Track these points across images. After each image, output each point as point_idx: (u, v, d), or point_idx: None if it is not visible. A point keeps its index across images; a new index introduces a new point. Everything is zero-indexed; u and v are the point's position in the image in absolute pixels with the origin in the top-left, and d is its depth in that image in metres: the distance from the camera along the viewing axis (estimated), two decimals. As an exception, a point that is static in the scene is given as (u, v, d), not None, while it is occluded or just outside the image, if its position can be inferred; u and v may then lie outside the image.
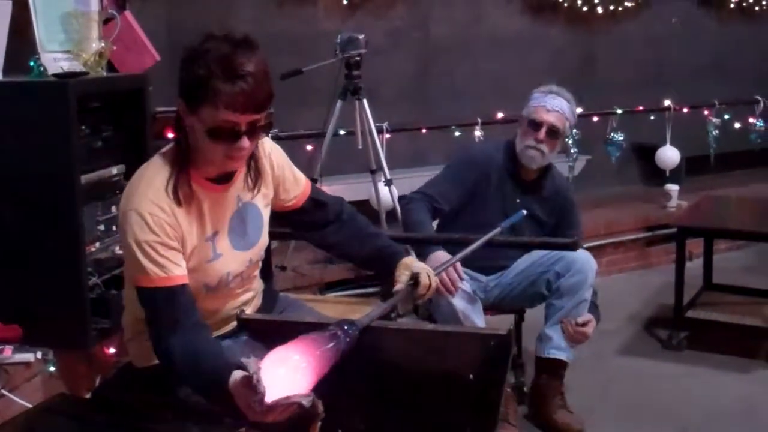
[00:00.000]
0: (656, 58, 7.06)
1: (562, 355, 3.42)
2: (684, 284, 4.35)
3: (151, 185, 2.04)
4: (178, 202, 2.05)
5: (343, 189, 5.16)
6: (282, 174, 2.34)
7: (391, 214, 4.52)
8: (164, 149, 2.14)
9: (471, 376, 1.93)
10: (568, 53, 6.71)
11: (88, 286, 2.71)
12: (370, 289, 4.63)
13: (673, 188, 6.05)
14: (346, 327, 1.92)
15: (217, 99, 1.94)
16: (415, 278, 2.36)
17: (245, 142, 2.01)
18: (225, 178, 2.17)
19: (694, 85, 6.80)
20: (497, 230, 2.96)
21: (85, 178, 2.71)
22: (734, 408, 3.68)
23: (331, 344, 1.84)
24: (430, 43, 6.14)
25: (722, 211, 5.05)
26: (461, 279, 3.22)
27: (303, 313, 2.52)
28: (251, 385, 1.71)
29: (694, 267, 5.02)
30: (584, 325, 3.35)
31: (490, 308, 3.59)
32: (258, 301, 2.43)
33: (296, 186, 2.39)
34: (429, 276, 2.37)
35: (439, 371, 1.96)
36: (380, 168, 4.41)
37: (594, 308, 3.42)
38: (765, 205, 5.06)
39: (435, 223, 3.52)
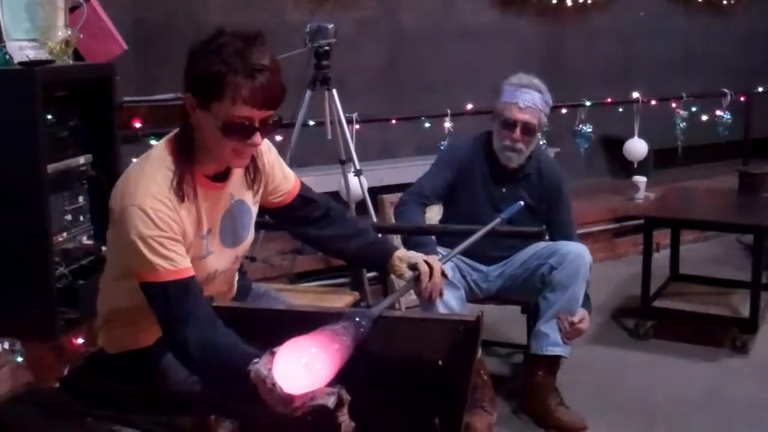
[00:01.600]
0: (625, 51, 7.12)
1: (559, 351, 3.42)
2: (651, 274, 4.40)
3: (153, 181, 2.01)
4: (181, 199, 2.03)
5: (312, 180, 5.12)
6: (272, 172, 2.33)
7: (361, 204, 4.52)
8: (161, 143, 2.12)
9: (440, 362, 1.93)
10: (537, 45, 6.75)
11: (55, 277, 2.68)
12: (340, 280, 4.64)
13: (640, 180, 6.10)
14: (358, 318, 1.92)
15: (236, 94, 1.94)
16: (413, 267, 2.38)
17: (258, 138, 2.02)
18: (222, 177, 2.16)
19: (663, 78, 6.87)
20: (497, 221, 2.98)
21: (51, 168, 2.68)
22: (700, 395, 3.73)
23: (349, 335, 1.84)
24: (400, 34, 6.15)
25: (689, 202, 5.11)
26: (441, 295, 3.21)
27: (275, 303, 2.52)
28: (267, 387, 1.72)
29: (661, 258, 5.08)
30: (579, 321, 3.38)
31: (491, 298, 3.63)
32: (232, 293, 2.44)
33: (285, 183, 2.38)
34: (428, 263, 2.38)
35: (408, 357, 1.97)
36: (350, 158, 4.41)
37: (586, 299, 3.45)
38: (731, 196, 5.11)
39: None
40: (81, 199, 2.88)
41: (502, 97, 3.51)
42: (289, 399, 1.75)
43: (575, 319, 3.36)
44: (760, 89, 6.58)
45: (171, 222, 2.00)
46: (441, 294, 2.97)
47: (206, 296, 2.24)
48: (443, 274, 2.42)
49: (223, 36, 1.98)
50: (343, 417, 1.81)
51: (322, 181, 5.09)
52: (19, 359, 2.78)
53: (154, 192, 1.99)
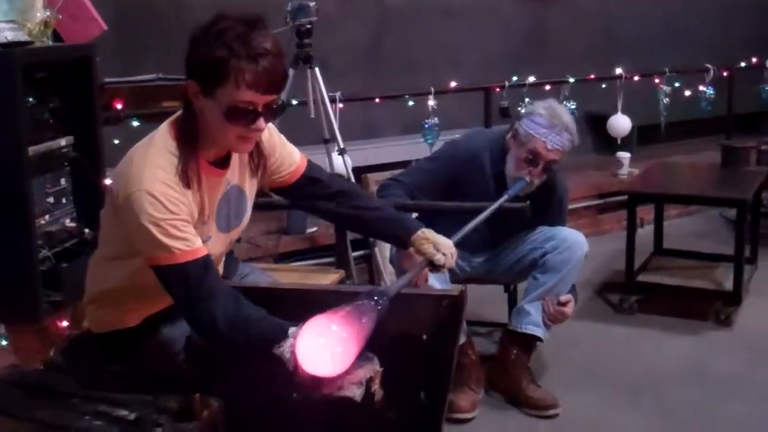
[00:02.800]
0: (608, 27, 7.12)
1: (538, 332, 3.41)
2: (635, 249, 4.43)
3: (158, 166, 2.00)
4: (187, 185, 2.03)
5: (296, 160, 5.14)
6: (272, 155, 2.31)
7: (345, 184, 4.51)
8: (163, 129, 2.10)
9: (424, 336, 1.94)
10: (520, 22, 6.75)
11: (38, 259, 2.67)
12: (325, 259, 4.64)
13: (624, 156, 6.12)
14: (376, 297, 1.92)
15: (239, 78, 1.92)
16: (439, 250, 2.37)
17: (262, 123, 2.01)
18: (223, 163, 2.15)
19: (646, 53, 6.87)
20: (504, 198, 2.98)
21: (32, 150, 2.66)
22: (685, 369, 3.76)
23: (367, 315, 1.85)
24: (383, 12, 6.13)
25: (672, 177, 5.13)
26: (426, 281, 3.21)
27: (264, 281, 2.53)
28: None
29: (645, 233, 5.11)
30: (565, 305, 3.38)
31: (475, 281, 3.61)
32: (221, 270, 2.44)
33: (289, 161, 2.36)
34: (450, 254, 2.39)
35: (392, 332, 1.98)
36: (334, 138, 4.39)
37: (572, 288, 3.45)
38: (714, 171, 5.14)
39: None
40: (63, 181, 2.87)
41: (530, 124, 3.28)
42: (314, 384, 1.77)
43: (562, 299, 3.36)
44: (743, 64, 6.59)
45: (181, 204, 1.99)
46: (426, 280, 3.01)
47: None
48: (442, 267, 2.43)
49: (224, 20, 1.96)
50: (375, 386, 1.85)
51: (306, 161, 5.09)
52: (3, 342, 2.78)
53: (161, 177, 1.98)
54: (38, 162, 2.71)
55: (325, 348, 1.77)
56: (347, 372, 1.82)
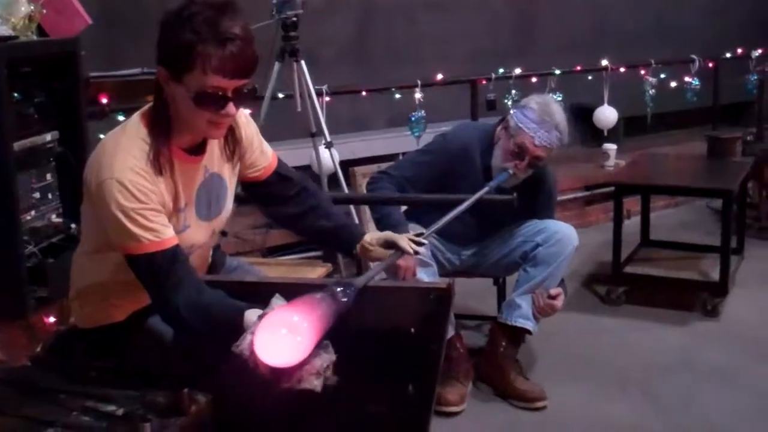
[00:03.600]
0: (594, 19, 7.13)
1: (528, 325, 3.42)
2: (622, 241, 4.43)
3: (129, 154, 1.99)
4: (159, 172, 2.02)
5: (283, 154, 5.09)
6: (250, 146, 2.32)
7: (332, 177, 4.51)
8: (136, 116, 2.09)
9: (412, 329, 1.94)
10: (507, 14, 6.75)
11: (24, 255, 2.66)
12: (312, 253, 4.63)
13: (611, 148, 6.13)
14: (343, 287, 1.92)
15: (206, 63, 1.91)
16: (390, 246, 2.40)
17: (232, 108, 1.99)
18: (198, 150, 2.14)
19: (632, 45, 6.89)
20: (485, 189, 2.98)
21: (17, 145, 2.66)
22: (672, 359, 3.77)
23: (330, 305, 1.85)
24: (370, 4, 6.12)
25: (658, 168, 5.15)
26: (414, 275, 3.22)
27: (250, 276, 2.52)
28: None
29: (632, 224, 5.14)
30: (555, 297, 3.38)
31: (463, 274, 3.61)
32: (208, 263, 2.44)
33: (263, 158, 2.37)
34: (409, 239, 2.41)
35: (380, 326, 1.98)
36: (321, 131, 4.39)
37: (561, 282, 3.46)
38: (700, 162, 5.15)
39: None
40: (49, 176, 2.86)
41: (521, 117, 3.29)
42: (275, 377, 1.77)
43: (552, 292, 3.37)
44: (728, 55, 6.61)
45: (150, 194, 1.99)
46: (414, 273, 3.01)
47: None
48: (415, 252, 2.44)
49: (194, 5, 1.95)
50: (328, 373, 1.84)
51: (293, 154, 5.06)
52: (-10, 339, 2.77)
53: (131, 165, 1.98)
54: (24, 157, 2.71)
55: (286, 337, 1.76)
56: (305, 362, 1.81)
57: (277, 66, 4.27)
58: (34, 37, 2.87)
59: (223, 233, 4.44)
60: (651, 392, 3.48)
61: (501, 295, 3.82)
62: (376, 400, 1.99)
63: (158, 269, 1.99)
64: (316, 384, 1.80)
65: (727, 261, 4.30)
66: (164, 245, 1.99)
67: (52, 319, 2.89)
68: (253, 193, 2.43)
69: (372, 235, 2.45)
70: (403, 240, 2.41)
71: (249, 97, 2.07)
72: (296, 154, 4.97)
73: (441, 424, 3.19)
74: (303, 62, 4.27)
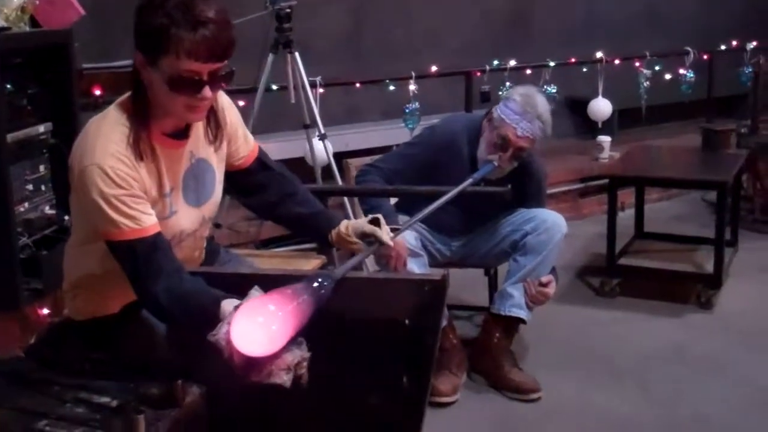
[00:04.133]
0: (588, 10, 7.12)
1: (522, 314, 3.41)
2: (616, 233, 4.44)
3: (110, 140, 1.99)
4: (139, 157, 2.02)
5: (277, 145, 5.11)
6: (235, 132, 2.32)
7: (326, 169, 4.50)
8: (118, 102, 2.09)
9: (406, 321, 1.94)
10: (501, 6, 6.73)
11: (18, 247, 2.66)
12: (306, 245, 4.63)
13: (605, 140, 6.13)
14: (321, 279, 1.91)
15: (179, 47, 1.91)
16: (364, 236, 2.36)
17: (207, 92, 1.99)
18: (181, 134, 2.14)
19: (626, 37, 6.88)
20: (468, 182, 2.97)
21: (11, 137, 2.65)
22: (666, 351, 3.78)
23: (307, 296, 1.84)
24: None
25: (652, 161, 5.14)
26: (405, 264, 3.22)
27: (243, 267, 2.51)
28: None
29: (626, 217, 5.13)
30: (546, 285, 3.38)
31: (454, 265, 3.60)
32: (201, 256, 2.43)
33: (246, 146, 2.37)
34: (374, 219, 2.38)
35: (374, 318, 1.97)
36: (314, 123, 4.38)
37: (553, 270, 3.45)
38: (694, 154, 5.16)
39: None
40: (42, 168, 2.86)
41: (504, 109, 3.31)
42: (246, 368, 1.76)
43: (543, 279, 3.38)
44: (723, 47, 6.61)
45: (131, 180, 1.99)
46: (405, 263, 3.01)
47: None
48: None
49: None
50: (302, 371, 1.83)
51: (286, 146, 5.06)
52: (-16, 331, 2.76)
53: (112, 150, 1.98)
54: (17, 149, 2.70)
55: (262, 326, 1.76)
56: (276, 356, 1.80)
57: (270, 57, 4.25)
58: (27, 29, 2.86)
59: (217, 225, 4.45)
60: (645, 384, 3.48)
61: (492, 286, 3.83)
62: (371, 392, 1.99)
63: (138, 256, 1.99)
64: (285, 379, 1.79)
65: (722, 253, 4.31)
66: (144, 233, 1.99)
67: (45, 311, 2.89)
68: (235, 183, 2.42)
69: (348, 223, 2.41)
70: (381, 230, 2.36)
71: (227, 80, 2.05)
72: (290, 146, 4.96)
73: (434, 415, 3.19)
74: (297, 54, 4.26)
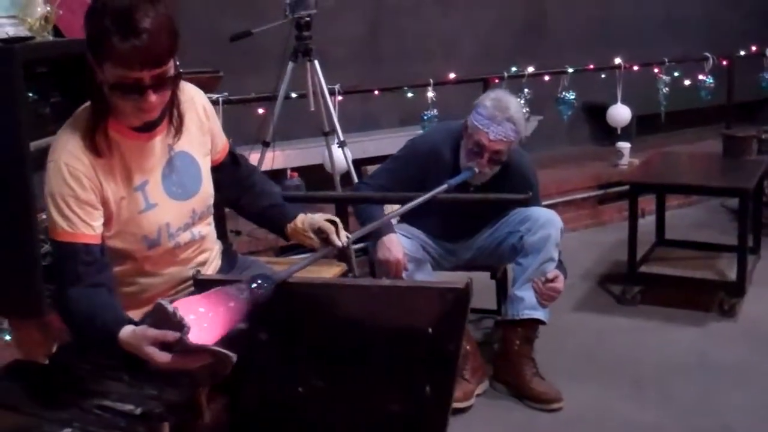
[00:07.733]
0: (606, 16, 7.11)
1: (537, 314, 3.40)
2: (637, 240, 4.41)
3: (71, 137, 2.06)
4: (97, 154, 2.05)
5: (296, 153, 5.13)
6: (214, 125, 2.34)
7: (345, 176, 4.51)
8: (89, 102, 2.12)
9: (429, 329, 1.93)
10: (517, 12, 6.73)
11: (40, 254, 2.66)
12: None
13: (624, 146, 6.12)
14: (260, 281, 1.90)
15: (114, 56, 1.91)
16: (319, 231, 2.33)
17: (151, 96, 1.98)
18: (148, 127, 2.14)
19: (645, 43, 6.86)
20: (443, 187, 2.97)
21: (34, 145, 2.66)
22: (687, 360, 3.75)
23: (241, 297, 1.82)
24: (381, 3, 6.11)
25: (673, 167, 5.11)
26: (406, 269, 3.24)
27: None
28: (173, 322, 1.69)
29: (646, 224, 5.10)
30: (553, 280, 3.37)
31: (458, 268, 3.62)
32: (218, 263, 2.42)
33: (220, 139, 2.39)
34: (331, 220, 2.33)
35: (397, 326, 1.97)
36: (333, 130, 4.39)
37: (560, 265, 3.44)
38: (715, 160, 5.12)
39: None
40: (65, 176, 2.85)
41: (476, 116, 3.35)
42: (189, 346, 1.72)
43: (549, 275, 3.36)
44: (742, 53, 6.58)
45: (83, 179, 2.03)
46: (406, 268, 3.00)
47: (194, 269, 2.22)
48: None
49: None
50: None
51: (306, 153, 5.08)
52: (7, 337, 2.77)
53: (70, 148, 2.04)
54: (40, 157, 2.70)
55: (193, 323, 1.73)
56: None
57: (290, 66, 4.27)
58: (51, 38, 2.87)
59: (237, 232, 4.46)
60: (667, 392, 3.46)
61: (500, 289, 3.83)
62: (393, 400, 1.98)
63: (63, 258, 2.04)
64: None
65: (745, 260, 4.27)
66: (74, 238, 2.02)
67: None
68: (214, 180, 2.39)
69: (304, 217, 2.38)
70: (332, 231, 2.30)
71: (173, 82, 2.03)
72: (309, 153, 4.98)
73: (454, 423, 3.15)
74: (316, 62, 4.27)
